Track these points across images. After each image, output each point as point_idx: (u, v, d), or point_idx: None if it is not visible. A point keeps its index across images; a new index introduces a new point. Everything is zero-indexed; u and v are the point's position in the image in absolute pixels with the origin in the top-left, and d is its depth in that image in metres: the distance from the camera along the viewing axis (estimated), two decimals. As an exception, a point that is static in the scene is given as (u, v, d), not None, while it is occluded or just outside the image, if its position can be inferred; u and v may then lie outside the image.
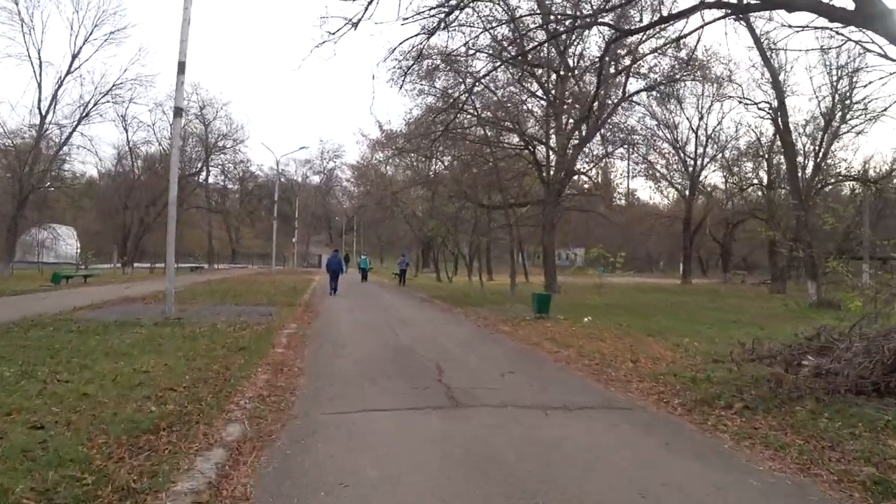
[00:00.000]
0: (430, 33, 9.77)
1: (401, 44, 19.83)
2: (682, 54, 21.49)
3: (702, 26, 10.27)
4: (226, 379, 6.50)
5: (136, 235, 36.19)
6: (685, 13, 10.01)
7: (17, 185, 33.31)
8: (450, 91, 23.51)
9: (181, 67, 12.84)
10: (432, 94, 24.30)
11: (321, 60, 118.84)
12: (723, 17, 14.99)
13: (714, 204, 44.10)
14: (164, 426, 4.67)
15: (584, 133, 24.30)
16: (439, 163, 36.07)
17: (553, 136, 26.48)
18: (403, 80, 16.23)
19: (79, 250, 39.31)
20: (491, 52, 20.69)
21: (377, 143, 29.30)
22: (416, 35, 10.04)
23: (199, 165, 42.32)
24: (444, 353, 8.86)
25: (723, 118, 64.59)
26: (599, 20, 10.89)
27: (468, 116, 24.49)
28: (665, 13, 9.55)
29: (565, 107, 24.78)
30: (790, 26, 11.59)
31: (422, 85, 23.85)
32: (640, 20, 14.80)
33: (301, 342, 9.72)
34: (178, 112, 13.18)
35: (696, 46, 25.64)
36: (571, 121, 24.64)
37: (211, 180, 57.04)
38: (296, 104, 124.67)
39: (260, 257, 67.47)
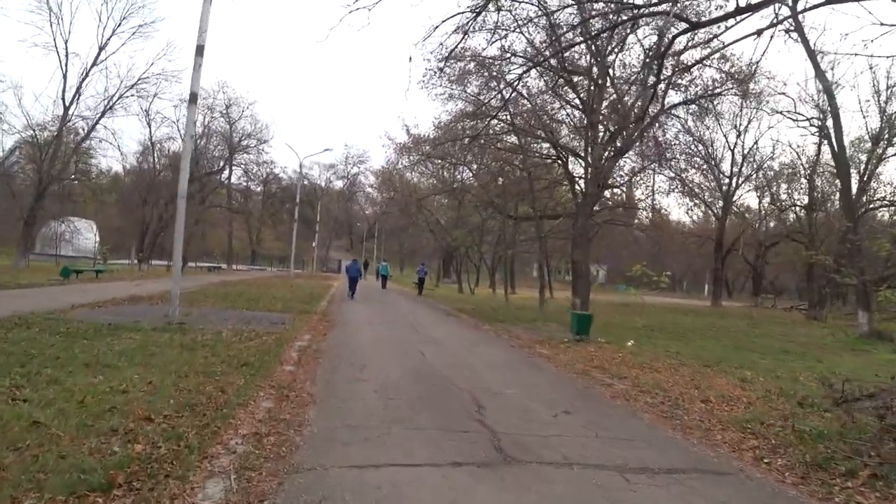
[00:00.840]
0: (478, 12, 8.58)
1: (444, 21, 18.77)
2: (726, 67, 20.14)
3: (762, 30, 8.99)
4: (218, 406, 5.29)
5: (153, 232, 35.47)
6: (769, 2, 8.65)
7: (37, 177, 32.88)
8: (481, 98, 22.52)
9: (199, 50, 11.84)
10: (462, 100, 23.23)
11: (351, 39, 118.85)
12: (789, 17, 13.63)
13: (748, 225, 42.27)
14: (122, 481, 3.45)
15: (619, 145, 23.06)
16: (466, 171, 35.01)
17: (588, 147, 25.28)
18: (443, 67, 15.01)
19: (97, 244, 38.74)
20: (526, 56, 19.73)
21: (403, 147, 28.08)
22: (461, 13, 8.86)
23: (222, 164, 41.57)
24: (481, 382, 7.55)
25: (760, 137, 62.40)
26: (664, 11, 9.63)
27: (500, 124, 23.38)
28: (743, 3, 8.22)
29: (601, 117, 23.57)
30: (881, 24, 10.21)
31: (452, 89, 22.87)
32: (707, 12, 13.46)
33: (314, 359, 8.48)
34: (194, 98, 12.13)
35: (759, 60, 24.26)
36: (607, 132, 23.37)
37: (234, 180, 56.60)
38: (322, 107, 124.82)
39: (280, 260, 66.91)
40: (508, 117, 22.32)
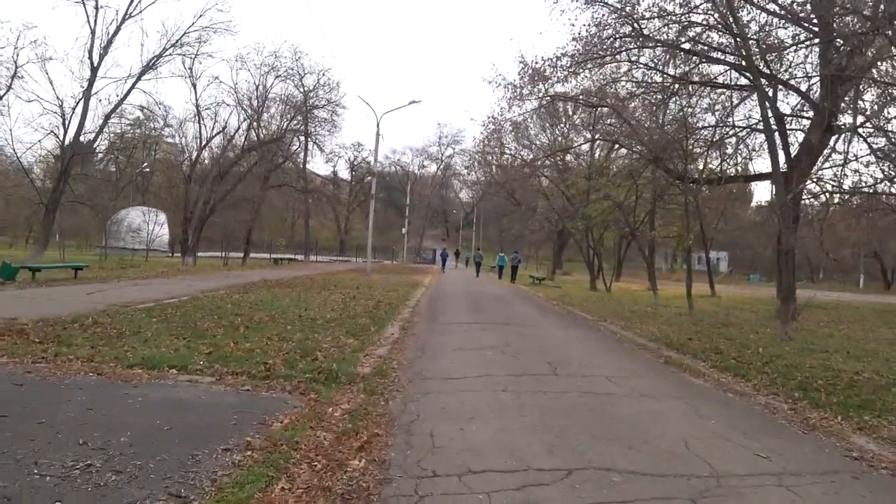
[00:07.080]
0: None
1: None
2: None
3: None
4: None
5: (199, 217, 28.27)
6: None
7: (60, 152, 26.73)
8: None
9: None
10: (595, 25, 15.09)
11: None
12: None
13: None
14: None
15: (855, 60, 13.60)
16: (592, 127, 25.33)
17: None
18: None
19: (147, 234, 32.88)
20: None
21: (520, 84, 17.95)
22: None
23: (283, 131, 33.75)
24: None
25: None
26: None
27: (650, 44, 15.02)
28: None
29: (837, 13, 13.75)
30: None
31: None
32: None
33: None
34: None
35: None
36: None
37: (324, 171, 49.64)
38: (405, 67, 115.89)
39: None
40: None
